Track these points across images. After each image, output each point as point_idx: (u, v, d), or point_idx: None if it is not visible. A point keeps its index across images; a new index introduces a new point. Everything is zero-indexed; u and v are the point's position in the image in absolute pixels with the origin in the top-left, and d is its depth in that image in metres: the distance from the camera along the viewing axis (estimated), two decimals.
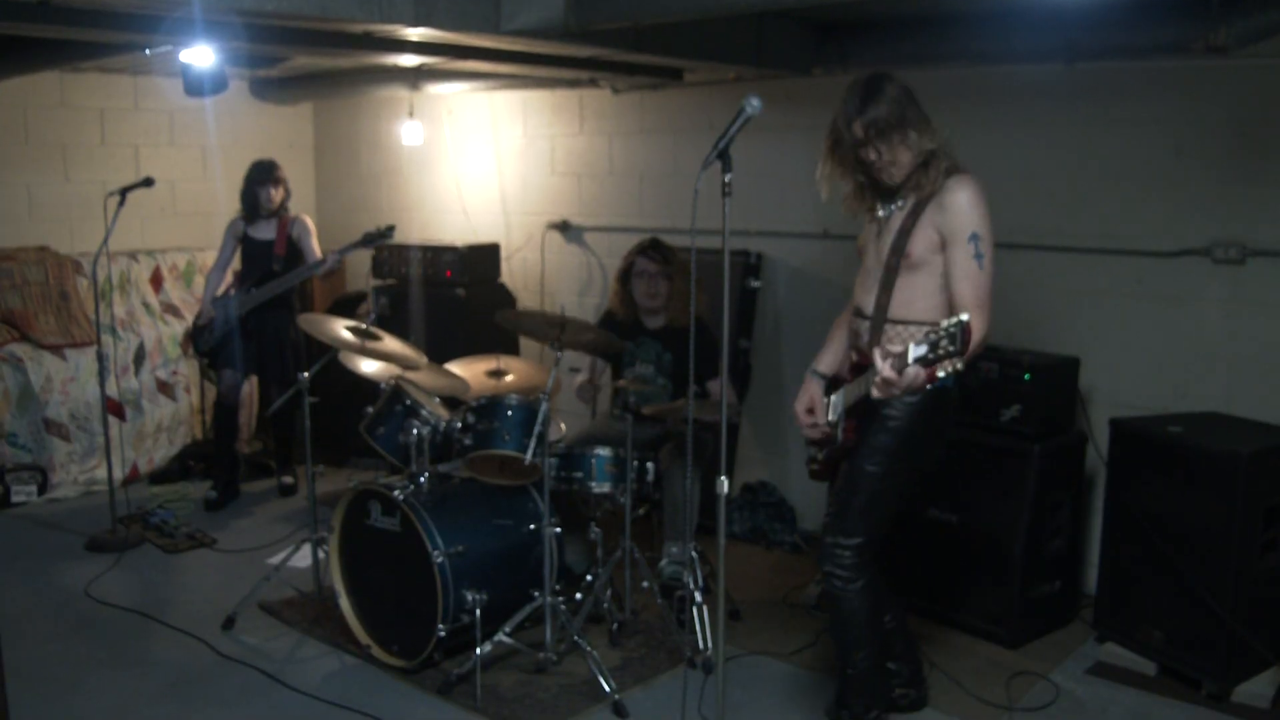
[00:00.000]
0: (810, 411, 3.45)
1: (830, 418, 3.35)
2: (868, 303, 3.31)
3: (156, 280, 6.96)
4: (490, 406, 4.12)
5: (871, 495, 3.30)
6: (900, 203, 3.26)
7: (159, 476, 6.53)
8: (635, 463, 4.24)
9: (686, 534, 4.34)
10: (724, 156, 2.79)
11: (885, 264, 3.24)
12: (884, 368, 2.84)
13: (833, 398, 3.34)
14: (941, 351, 2.71)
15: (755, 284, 5.68)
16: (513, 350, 6.11)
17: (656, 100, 6.10)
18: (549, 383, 4.07)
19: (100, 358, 5.53)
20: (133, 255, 6.90)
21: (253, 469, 6.59)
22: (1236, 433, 3.95)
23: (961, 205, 3.12)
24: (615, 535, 4.41)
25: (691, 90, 5.90)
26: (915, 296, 3.20)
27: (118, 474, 6.05)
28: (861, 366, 3.33)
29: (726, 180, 2.79)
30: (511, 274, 6.87)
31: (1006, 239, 4.76)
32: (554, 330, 4.12)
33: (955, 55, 4.62)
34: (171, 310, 6.92)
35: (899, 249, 3.20)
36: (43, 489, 6.11)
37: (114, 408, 6.26)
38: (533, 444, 3.95)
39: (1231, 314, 4.38)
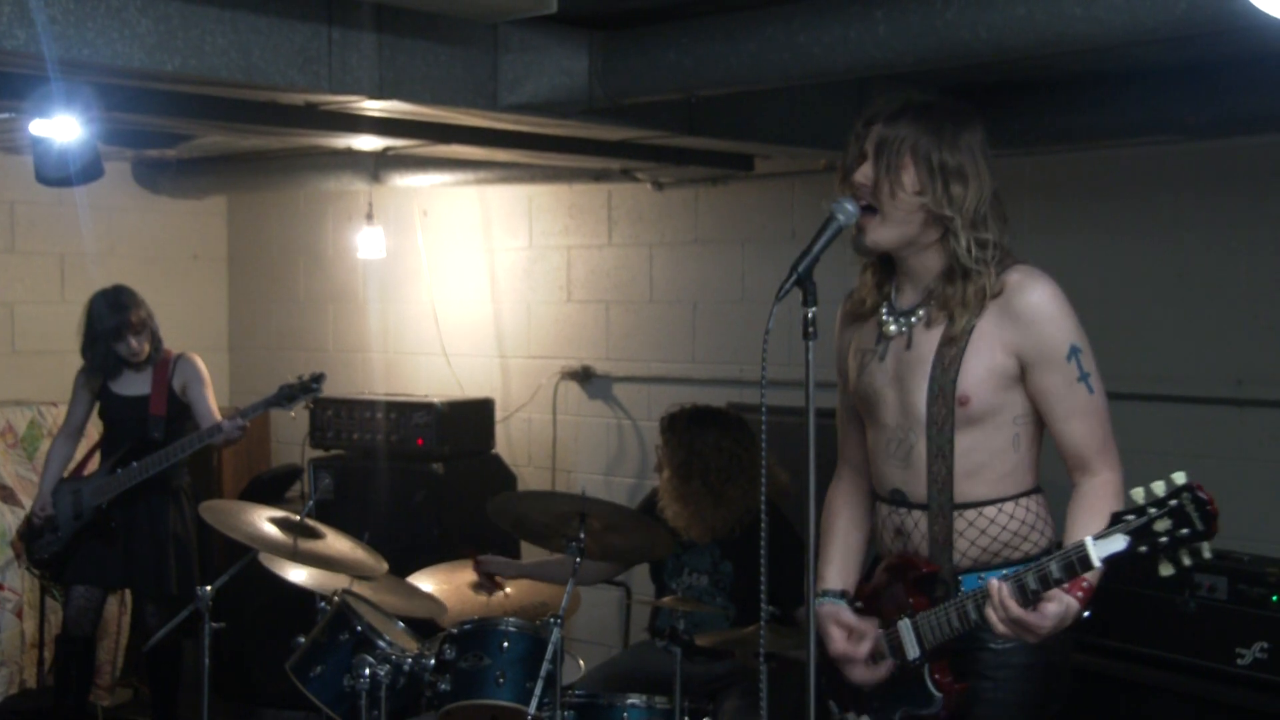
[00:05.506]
0: (850, 637, 3.15)
1: (911, 655, 3.07)
2: (911, 481, 3.10)
3: None
4: (478, 635, 4.15)
5: None
6: (921, 314, 3.08)
7: None
8: (687, 717, 4.24)
9: None
10: (805, 282, 2.78)
11: (928, 417, 3.03)
12: (1011, 606, 2.74)
13: (900, 626, 3.10)
14: (1164, 539, 2.50)
15: None
16: (511, 551, 6.15)
17: (716, 198, 6.25)
18: (564, 600, 4.11)
19: None
20: None
21: None
22: None
23: (1044, 309, 2.93)
24: None
25: (766, 184, 6.04)
26: (981, 462, 3.01)
27: None
28: (926, 578, 3.09)
29: (810, 315, 2.76)
30: (510, 442, 6.96)
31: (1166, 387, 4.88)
32: (571, 523, 4.17)
33: (1123, 129, 4.78)
34: (1, 494, 6.86)
35: (944, 390, 3.00)
36: None
37: None
38: (538, 690, 3.97)
39: None
